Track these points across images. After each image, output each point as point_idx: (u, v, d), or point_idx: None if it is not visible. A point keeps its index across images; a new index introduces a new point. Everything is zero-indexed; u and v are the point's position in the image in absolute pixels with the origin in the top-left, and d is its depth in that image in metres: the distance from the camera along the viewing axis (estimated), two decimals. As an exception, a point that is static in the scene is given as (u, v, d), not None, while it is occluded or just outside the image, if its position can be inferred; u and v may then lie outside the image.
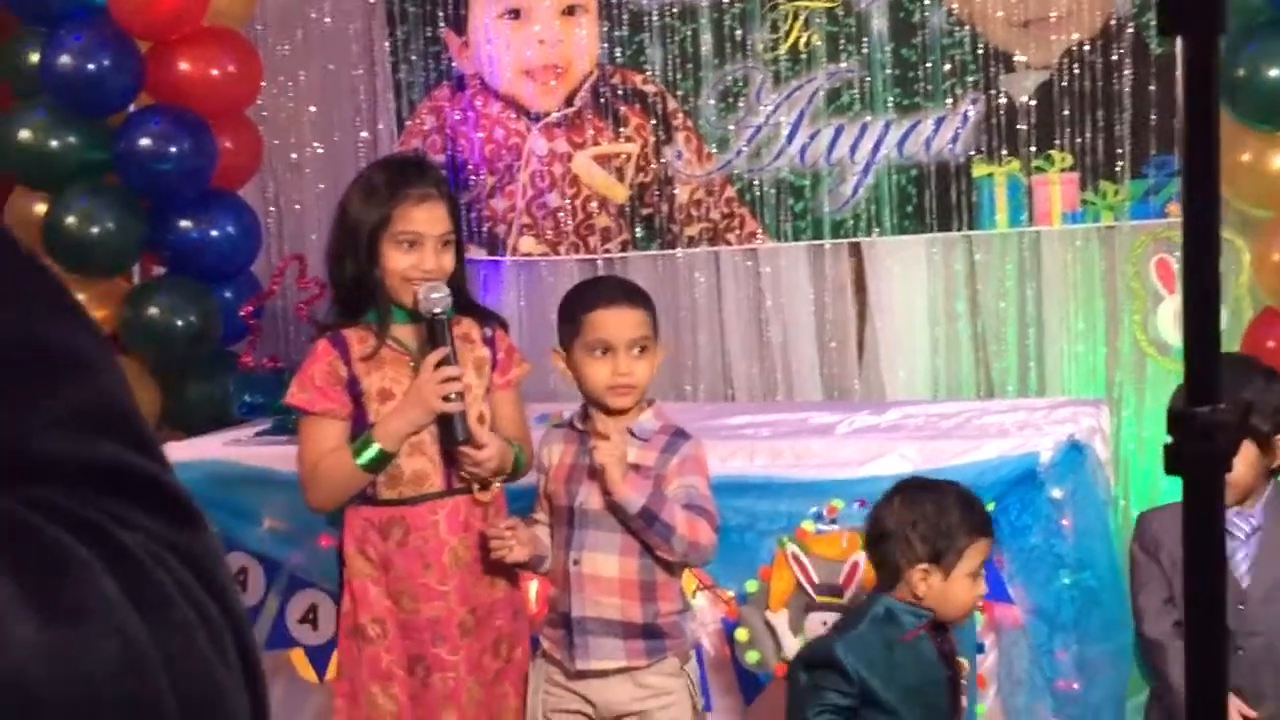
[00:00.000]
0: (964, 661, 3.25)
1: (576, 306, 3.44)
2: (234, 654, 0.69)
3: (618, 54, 5.53)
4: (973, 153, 5.13)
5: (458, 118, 5.76)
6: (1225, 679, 1.13)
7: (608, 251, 5.61)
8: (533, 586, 4.04)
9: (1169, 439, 1.13)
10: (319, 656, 4.36)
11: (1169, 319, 4.93)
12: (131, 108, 5.36)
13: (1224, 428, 1.11)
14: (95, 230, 5.17)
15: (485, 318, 3.53)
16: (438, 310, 3.27)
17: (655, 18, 5.46)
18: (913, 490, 3.24)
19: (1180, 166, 1.11)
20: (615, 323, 3.34)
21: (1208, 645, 1.12)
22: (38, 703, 0.59)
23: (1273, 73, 4.37)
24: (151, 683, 0.63)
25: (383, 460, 3.28)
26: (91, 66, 5.10)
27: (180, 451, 4.72)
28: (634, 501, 3.20)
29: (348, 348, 3.33)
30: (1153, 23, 4.87)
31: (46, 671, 0.59)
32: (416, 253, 3.31)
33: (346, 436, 3.33)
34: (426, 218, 3.34)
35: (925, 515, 3.14)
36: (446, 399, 3.27)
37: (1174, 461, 1.12)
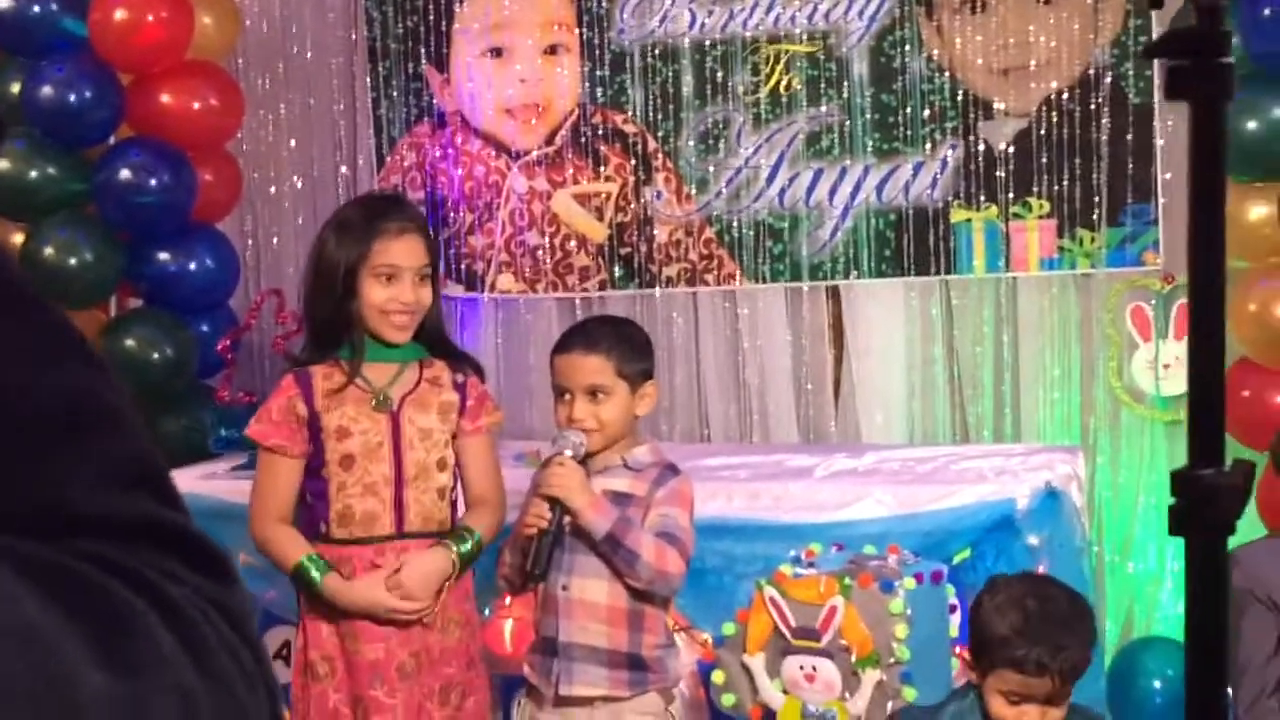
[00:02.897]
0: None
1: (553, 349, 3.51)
2: (266, 703, 0.71)
3: (599, 93, 5.55)
4: (951, 198, 5.16)
5: (438, 154, 5.77)
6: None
7: (586, 290, 5.61)
8: (507, 626, 4.04)
9: (1172, 500, 1.13)
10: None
11: (1144, 366, 4.95)
12: (112, 140, 5.35)
13: (1228, 491, 1.12)
14: (73, 261, 5.15)
15: (459, 362, 3.54)
16: (568, 451, 3.31)
17: (637, 58, 5.48)
18: (1011, 584, 3.09)
19: (1188, 228, 1.12)
20: (567, 369, 3.41)
21: (1208, 711, 1.12)
22: None
23: (1250, 125, 4.40)
24: None
25: (311, 587, 3.32)
26: (73, 98, 5.09)
27: (154, 485, 4.70)
28: (599, 526, 3.25)
29: (311, 385, 3.35)
30: (1130, 72, 4.91)
31: None
32: (395, 285, 3.35)
33: (298, 474, 3.35)
34: (404, 250, 3.37)
35: (978, 612, 3.06)
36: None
37: (1178, 524, 1.13)
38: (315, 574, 3.29)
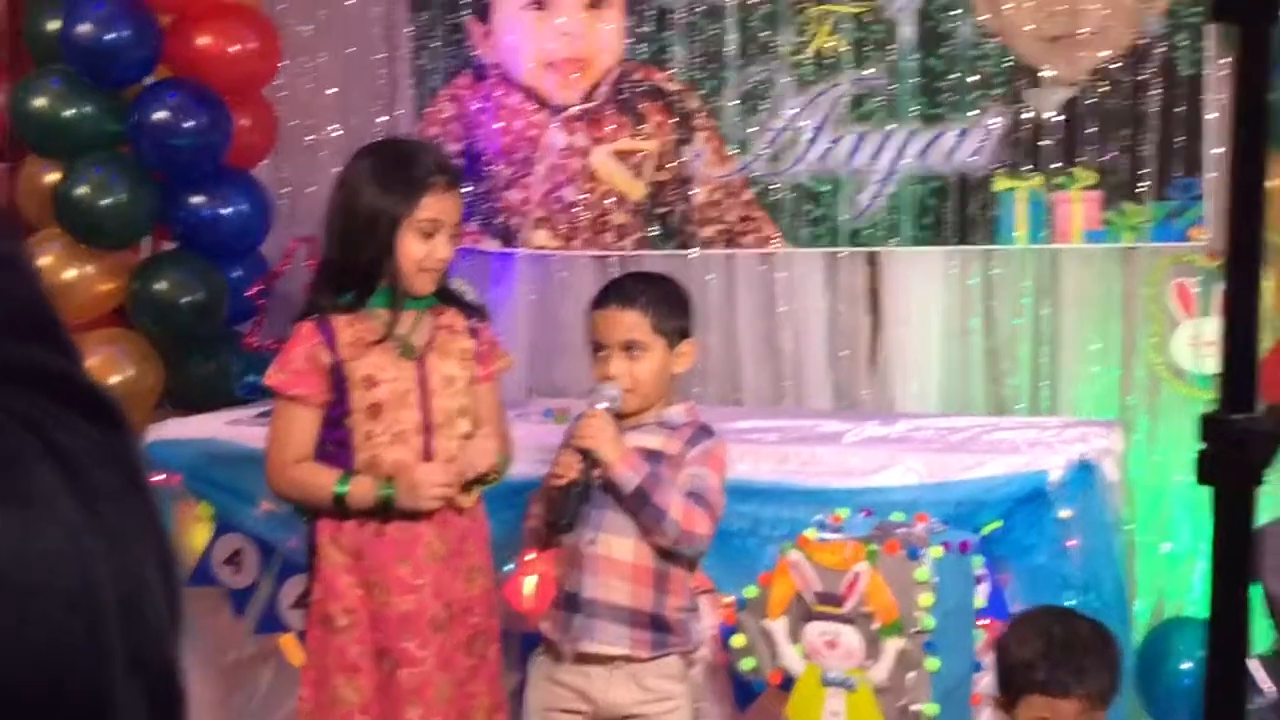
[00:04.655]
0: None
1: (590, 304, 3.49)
2: (155, 554, 0.70)
3: (641, 50, 5.48)
4: (995, 166, 5.07)
5: (477, 107, 5.71)
6: (1244, 698, 1.07)
7: (622, 249, 5.55)
8: (529, 581, 4.00)
9: (1201, 446, 1.07)
10: (310, 642, 4.31)
11: (1186, 343, 4.87)
12: (148, 80, 5.31)
13: (1258, 436, 1.06)
14: (107, 202, 5.11)
15: (468, 309, 3.52)
16: (602, 404, 3.31)
17: (681, 15, 5.40)
18: (1033, 614, 3.14)
19: (1228, 152, 1.05)
20: (603, 324, 3.41)
21: (1229, 662, 1.06)
22: None
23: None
24: (93, 572, 0.64)
25: (382, 507, 3.28)
26: (110, 36, 5.05)
27: (181, 429, 4.68)
28: (628, 481, 3.23)
29: (334, 334, 3.30)
30: (1183, 43, 4.81)
31: (2, 549, 0.61)
32: (433, 241, 3.31)
33: (317, 423, 3.31)
34: (448, 206, 3.34)
35: (1002, 645, 3.05)
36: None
37: (1205, 470, 1.07)
38: (384, 493, 3.26)
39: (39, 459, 0.65)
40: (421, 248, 3.30)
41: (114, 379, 5.08)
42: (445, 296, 3.48)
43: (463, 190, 3.51)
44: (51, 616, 0.61)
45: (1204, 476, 1.08)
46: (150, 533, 0.69)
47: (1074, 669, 2.90)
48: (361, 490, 3.25)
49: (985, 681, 3.78)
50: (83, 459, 0.67)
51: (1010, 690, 2.96)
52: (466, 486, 3.36)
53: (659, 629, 3.34)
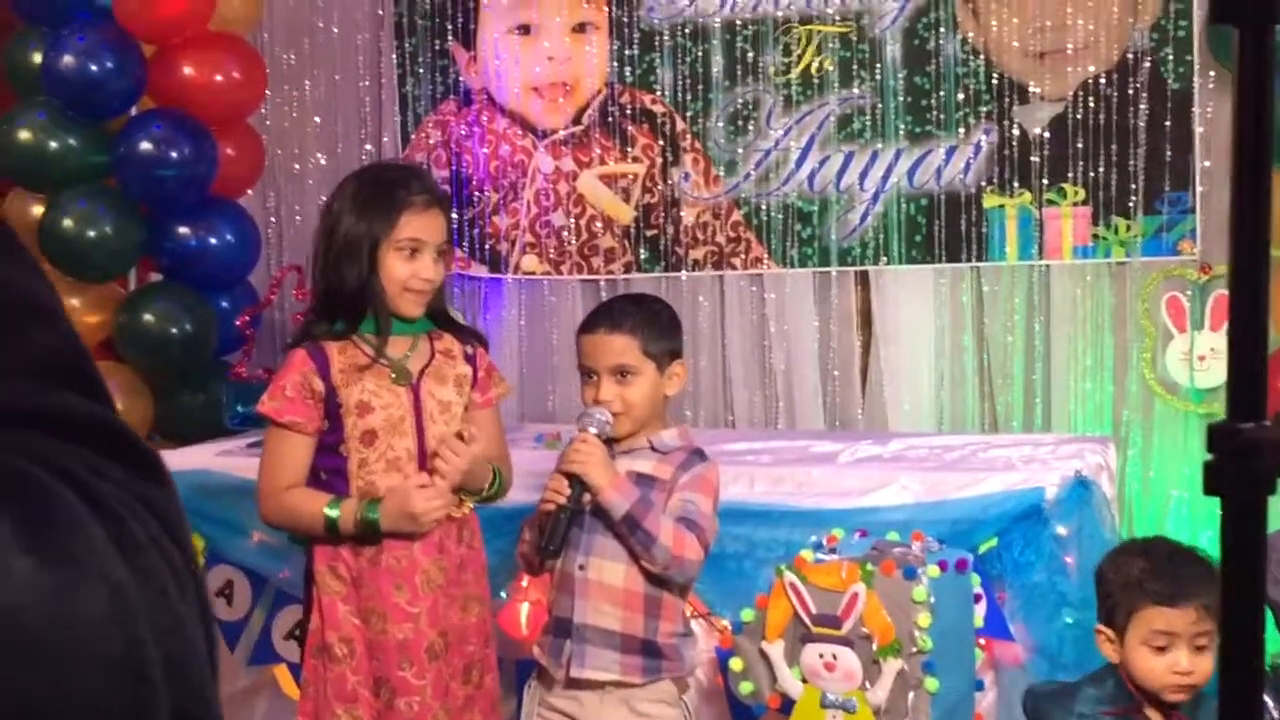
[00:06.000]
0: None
1: (578, 329, 3.46)
2: (196, 606, 0.69)
3: (627, 73, 5.47)
4: (984, 183, 5.06)
5: (463, 133, 5.70)
6: (1261, 712, 1.05)
7: (611, 273, 5.53)
8: (523, 609, 3.97)
9: (1209, 457, 1.05)
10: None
11: (1178, 358, 4.85)
12: (133, 111, 5.29)
13: (1267, 445, 1.04)
14: (92, 234, 5.09)
15: (465, 334, 3.48)
16: (592, 429, 3.24)
17: (666, 37, 5.40)
18: (1130, 543, 3.12)
19: (1232, 149, 1.03)
20: (592, 349, 3.35)
21: (1243, 679, 1.04)
22: (32, 641, 0.59)
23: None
24: (136, 629, 0.63)
25: (366, 530, 3.23)
26: (94, 68, 5.03)
27: (171, 460, 4.62)
28: (618, 506, 3.18)
29: (327, 360, 3.26)
30: (1170, 57, 4.81)
31: (42, 610, 0.60)
32: (417, 260, 3.27)
33: (310, 451, 3.27)
34: (429, 225, 3.30)
35: (1104, 577, 3.01)
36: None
37: (1213, 481, 1.04)
38: (370, 515, 3.21)
39: (81, 514, 0.63)
40: (405, 268, 3.27)
41: (102, 412, 5.03)
42: (442, 321, 3.44)
43: (450, 214, 3.47)
44: (93, 680, 0.60)
45: (1211, 487, 1.05)
46: (190, 588, 0.68)
47: (1184, 579, 2.87)
48: (349, 513, 3.21)
49: (986, 701, 3.76)
50: (121, 509, 0.66)
51: (1118, 614, 2.90)
52: (457, 492, 3.32)
53: (650, 654, 3.30)
